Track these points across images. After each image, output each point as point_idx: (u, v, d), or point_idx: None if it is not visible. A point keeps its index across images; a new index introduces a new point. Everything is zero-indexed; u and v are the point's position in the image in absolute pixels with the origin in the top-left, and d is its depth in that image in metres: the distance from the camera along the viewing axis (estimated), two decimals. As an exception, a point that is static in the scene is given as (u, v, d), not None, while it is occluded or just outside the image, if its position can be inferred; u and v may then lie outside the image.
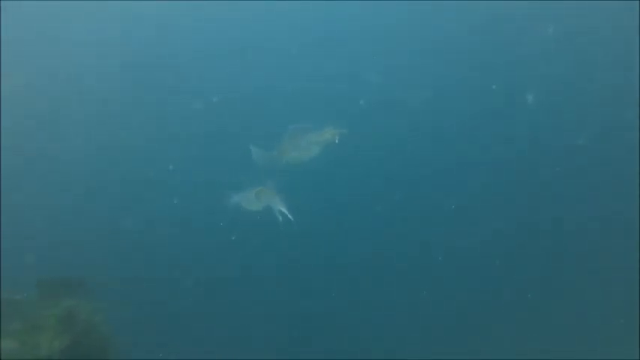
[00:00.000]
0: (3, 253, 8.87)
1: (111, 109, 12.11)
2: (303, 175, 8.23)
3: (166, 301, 10.48)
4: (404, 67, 13.17)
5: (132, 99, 12.31)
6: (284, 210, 6.29)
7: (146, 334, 8.87)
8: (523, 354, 9.63)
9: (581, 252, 11.45)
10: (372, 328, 11.06)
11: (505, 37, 13.15)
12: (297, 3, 12.99)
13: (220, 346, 10.09)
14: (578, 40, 12.89)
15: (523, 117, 12.82)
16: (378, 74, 12.91)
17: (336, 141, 6.53)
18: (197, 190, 11.16)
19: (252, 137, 7.50)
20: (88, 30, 12.16)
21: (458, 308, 10.95)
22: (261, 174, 6.56)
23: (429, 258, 11.68)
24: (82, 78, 11.89)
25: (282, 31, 13.52)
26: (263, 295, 11.01)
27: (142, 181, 11.61)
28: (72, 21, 12.02)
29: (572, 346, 9.67)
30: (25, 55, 11.11)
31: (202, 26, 13.21)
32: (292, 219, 6.26)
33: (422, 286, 11.30)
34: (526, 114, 12.78)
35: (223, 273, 11.02)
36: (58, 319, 6.75)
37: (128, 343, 7.42)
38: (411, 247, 11.73)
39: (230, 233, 10.29)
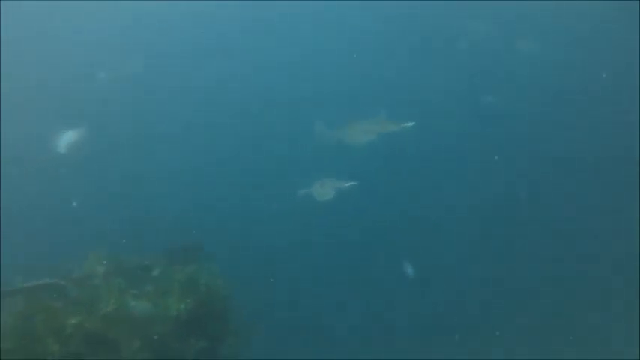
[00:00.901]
0: (127, 227, 9.90)
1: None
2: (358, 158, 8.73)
3: (280, 267, 11.18)
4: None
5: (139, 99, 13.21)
6: (351, 183, 7.25)
7: (262, 298, 9.42)
8: (523, 354, 9.61)
9: (582, 253, 11.54)
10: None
11: (505, 37, 13.37)
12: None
13: (329, 308, 10.90)
14: (578, 40, 13.06)
15: (523, 118, 13.04)
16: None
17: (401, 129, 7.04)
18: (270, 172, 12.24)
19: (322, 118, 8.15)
20: (88, 30, 13.01)
21: (459, 308, 10.99)
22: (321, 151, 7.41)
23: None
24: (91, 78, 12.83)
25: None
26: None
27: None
28: (72, 21, 12.84)
29: (572, 346, 9.62)
30: (25, 55, 11.98)
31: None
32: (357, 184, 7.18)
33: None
34: (526, 115, 13.06)
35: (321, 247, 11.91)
36: (182, 284, 7.26)
37: (246, 307, 7.78)
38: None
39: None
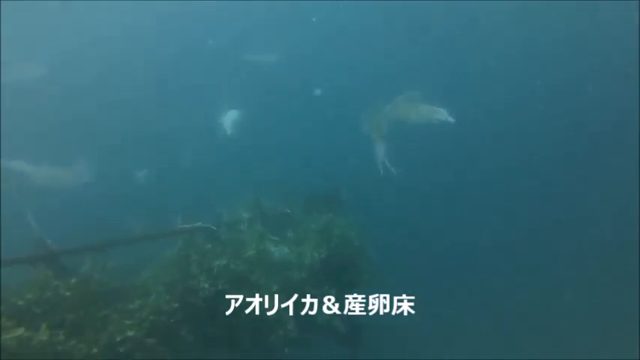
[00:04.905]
0: (271, 177, 10.69)
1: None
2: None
3: (410, 221, 11.57)
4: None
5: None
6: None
7: (393, 251, 9.45)
8: (524, 354, 9.55)
9: (582, 252, 11.58)
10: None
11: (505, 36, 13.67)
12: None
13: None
14: (578, 39, 13.11)
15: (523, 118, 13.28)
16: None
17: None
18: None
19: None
20: (89, 29, 13.25)
21: (459, 308, 10.68)
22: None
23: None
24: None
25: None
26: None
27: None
28: (71, 19, 13.05)
29: (572, 346, 9.62)
30: (25, 54, 12.38)
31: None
32: None
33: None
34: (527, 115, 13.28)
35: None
36: (317, 233, 7.47)
37: (377, 260, 7.75)
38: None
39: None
